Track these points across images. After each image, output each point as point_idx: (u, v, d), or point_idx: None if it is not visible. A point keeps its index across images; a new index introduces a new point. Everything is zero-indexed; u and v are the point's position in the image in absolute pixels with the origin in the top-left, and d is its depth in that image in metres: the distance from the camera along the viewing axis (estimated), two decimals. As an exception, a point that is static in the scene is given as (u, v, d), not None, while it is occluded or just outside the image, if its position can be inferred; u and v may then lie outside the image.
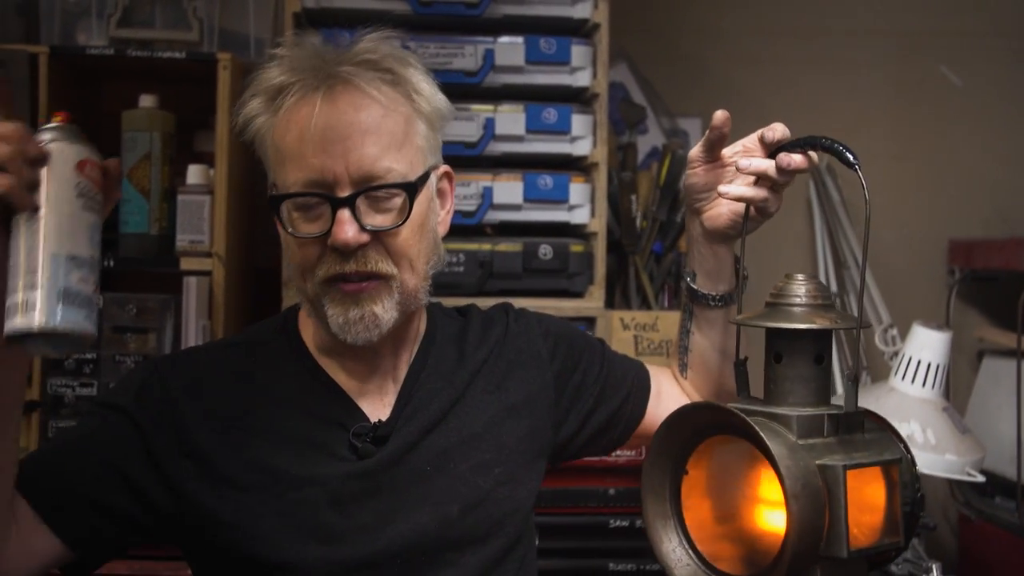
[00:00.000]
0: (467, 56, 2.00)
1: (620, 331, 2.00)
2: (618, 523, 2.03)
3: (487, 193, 1.98)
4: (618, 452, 1.88)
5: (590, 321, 2.00)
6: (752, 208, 1.11)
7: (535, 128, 2.02)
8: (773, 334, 1.10)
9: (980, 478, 2.00)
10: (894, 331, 2.23)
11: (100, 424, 1.07)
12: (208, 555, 1.10)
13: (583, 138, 2.00)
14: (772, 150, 1.09)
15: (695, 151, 1.16)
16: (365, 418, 1.11)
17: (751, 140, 1.12)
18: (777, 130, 1.08)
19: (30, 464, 1.02)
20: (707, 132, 1.14)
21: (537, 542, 1.77)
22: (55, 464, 1.04)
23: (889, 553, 1.13)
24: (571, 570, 2.04)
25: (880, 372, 2.29)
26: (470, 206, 2.02)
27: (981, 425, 2.15)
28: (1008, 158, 2.48)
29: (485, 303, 1.96)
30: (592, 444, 1.29)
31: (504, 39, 2.00)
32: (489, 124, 1.99)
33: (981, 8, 2.49)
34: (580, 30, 2.04)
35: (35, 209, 0.86)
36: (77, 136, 0.92)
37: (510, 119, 2.01)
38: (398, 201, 1.04)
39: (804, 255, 2.58)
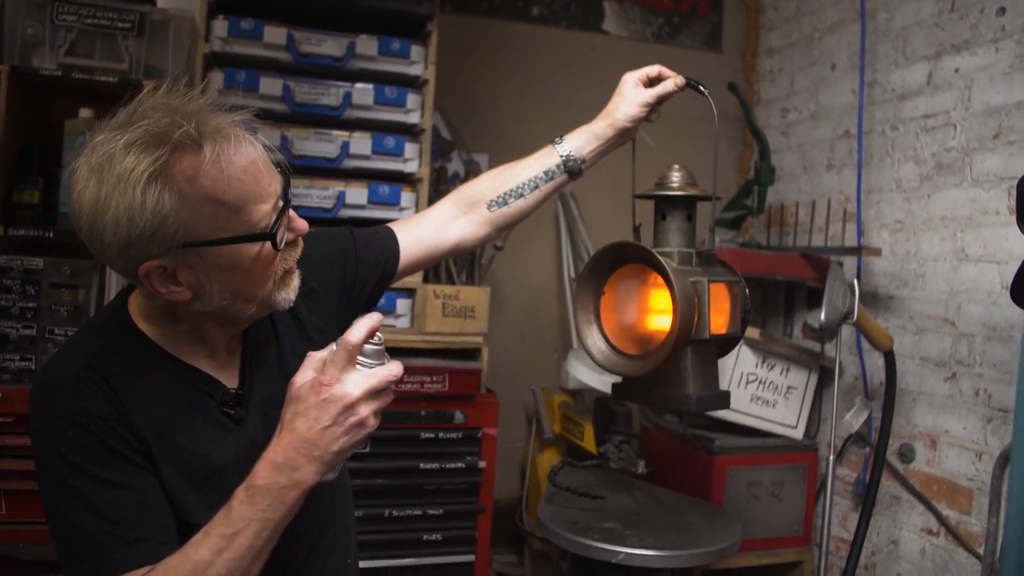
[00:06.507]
0: (332, 95, 2.37)
1: (432, 299, 2.40)
2: (427, 435, 2.38)
3: (341, 196, 2.36)
4: (428, 385, 2.33)
5: (411, 291, 2.39)
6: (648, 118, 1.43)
7: (379, 151, 2.41)
8: (662, 200, 1.39)
9: (660, 405, 2.53)
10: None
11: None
12: None
13: (412, 160, 2.43)
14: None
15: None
16: (225, 388, 1.16)
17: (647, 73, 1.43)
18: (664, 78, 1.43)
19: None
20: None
21: (368, 449, 2.24)
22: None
23: (733, 340, 1.38)
24: (394, 469, 2.34)
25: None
26: (328, 204, 2.35)
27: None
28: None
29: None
30: (373, 300, 1.37)
31: (359, 85, 2.39)
32: (345, 146, 2.37)
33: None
34: (414, 83, 2.45)
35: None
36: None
37: (361, 143, 2.39)
38: None
39: (553, 251, 2.99)
